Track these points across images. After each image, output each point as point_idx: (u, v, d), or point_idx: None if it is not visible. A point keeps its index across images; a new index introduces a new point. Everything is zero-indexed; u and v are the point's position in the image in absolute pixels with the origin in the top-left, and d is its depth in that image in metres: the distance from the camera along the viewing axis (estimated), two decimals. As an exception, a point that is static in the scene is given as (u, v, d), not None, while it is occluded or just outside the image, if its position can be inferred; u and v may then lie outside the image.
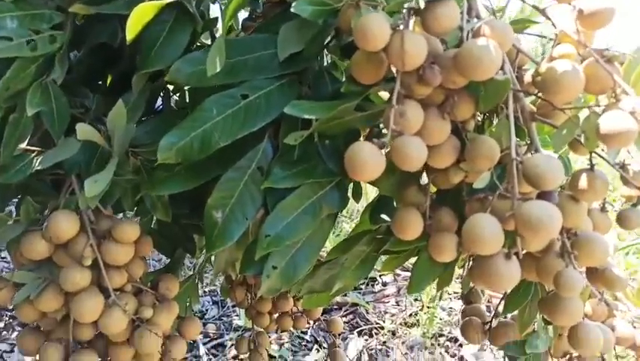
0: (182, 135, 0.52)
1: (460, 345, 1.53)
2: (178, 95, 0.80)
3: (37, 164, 0.59)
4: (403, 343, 1.51)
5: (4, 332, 1.57)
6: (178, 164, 0.57)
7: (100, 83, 0.75)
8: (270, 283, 0.57)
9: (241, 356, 1.55)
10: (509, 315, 0.65)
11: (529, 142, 0.46)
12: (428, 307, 1.60)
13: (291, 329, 1.01)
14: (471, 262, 0.50)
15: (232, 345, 1.55)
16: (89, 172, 0.64)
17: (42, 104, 0.52)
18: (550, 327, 0.59)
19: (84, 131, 0.53)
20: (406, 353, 1.44)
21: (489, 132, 0.51)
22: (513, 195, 0.41)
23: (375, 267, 0.73)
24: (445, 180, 0.51)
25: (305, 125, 0.55)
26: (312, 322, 1.01)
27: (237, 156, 0.56)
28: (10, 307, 0.65)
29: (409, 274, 1.95)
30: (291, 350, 1.52)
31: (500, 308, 0.66)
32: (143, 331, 0.61)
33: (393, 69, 0.46)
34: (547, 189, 0.41)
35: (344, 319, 1.71)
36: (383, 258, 0.73)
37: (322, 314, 1.77)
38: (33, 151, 0.60)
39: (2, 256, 2.16)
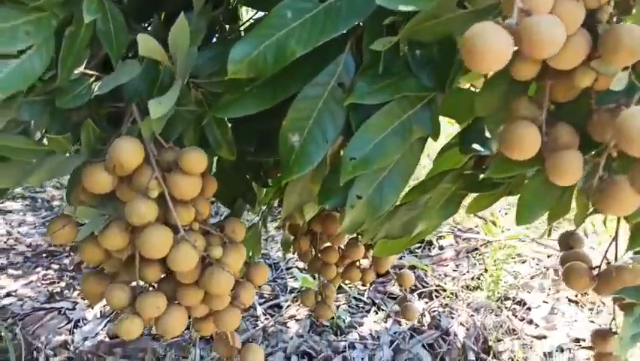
0: (255, 45, 0.46)
1: (529, 308, 1.44)
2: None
3: (96, 89, 0.54)
4: (467, 305, 1.43)
5: (66, 291, 1.59)
6: (247, 84, 0.51)
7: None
8: (353, 215, 0.51)
9: (298, 316, 1.52)
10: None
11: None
12: (494, 270, 1.51)
13: (353, 286, 0.95)
14: (600, 184, 0.41)
15: (288, 306, 1.52)
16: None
17: (99, 12, 0.47)
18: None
19: (146, 43, 0.48)
20: (471, 315, 1.37)
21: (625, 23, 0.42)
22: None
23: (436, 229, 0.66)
24: (567, 87, 0.43)
25: (390, 32, 0.48)
26: (375, 277, 0.95)
27: (315, 70, 0.49)
28: (71, 245, 0.62)
29: (469, 235, 1.86)
30: (349, 312, 1.47)
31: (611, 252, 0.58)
32: (215, 269, 0.57)
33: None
34: None
35: (402, 282, 1.65)
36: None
37: (377, 277, 1.72)
38: (91, 76, 0.55)
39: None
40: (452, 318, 1.36)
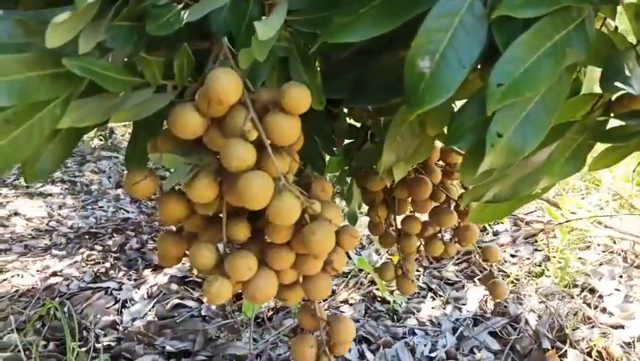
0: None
1: (600, 296, 1.34)
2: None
3: (185, 16, 0.47)
4: (535, 291, 1.34)
5: (111, 271, 1.55)
6: (362, 4, 0.44)
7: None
8: (494, 157, 0.43)
9: (351, 301, 1.45)
10: None
11: None
12: (562, 258, 1.42)
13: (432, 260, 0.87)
14: None
15: (341, 290, 1.45)
16: (240, 36, 0.53)
17: None
18: None
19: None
20: (542, 302, 1.28)
21: None
22: None
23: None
24: None
25: None
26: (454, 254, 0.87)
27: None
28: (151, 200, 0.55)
29: (531, 218, 1.75)
30: (407, 296, 1.40)
31: None
32: (318, 225, 0.50)
33: None
34: None
35: (457, 267, 1.56)
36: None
37: (430, 263, 1.63)
38: (180, 1, 0.48)
39: (100, 205, 2.18)
40: (520, 305, 1.27)
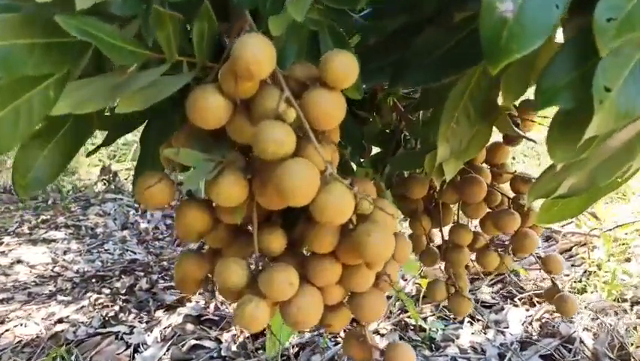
0: None
1: (656, 310, 1.23)
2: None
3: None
4: (585, 308, 1.22)
5: (121, 314, 1.44)
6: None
7: None
8: (602, 118, 0.34)
9: (381, 331, 1.33)
10: None
11: None
12: (606, 271, 1.31)
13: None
14: None
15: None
16: (266, 11, 0.45)
17: None
18: None
19: None
20: (594, 319, 1.16)
21: None
22: None
23: None
24: None
25: None
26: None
27: None
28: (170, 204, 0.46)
29: (568, 230, 1.63)
30: (442, 322, 1.28)
31: None
32: (375, 226, 0.40)
33: None
34: None
35: (491, 289, 1.45)
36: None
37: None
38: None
39: (106, 248, 2.09)
40: (572, 323, 1.15)
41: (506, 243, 0.72)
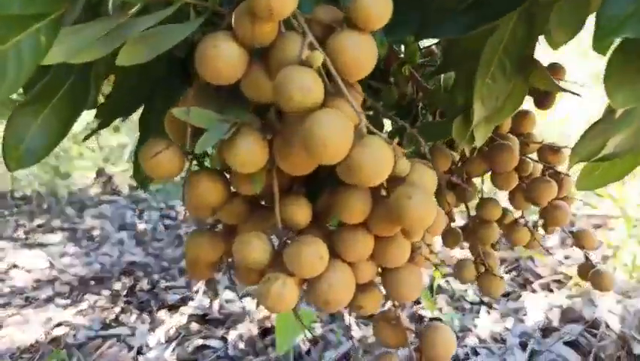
0: None
1: (677, 291, 1.18)
2: None
3: None
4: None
5: (122, 316, 1.39)
6: None
7: None
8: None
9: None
10: None
11: None
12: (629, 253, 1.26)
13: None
14: None
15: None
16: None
17: None
18: None
19: None
20: (619, 301, 1.11)
21: None
22: None
23: None
24: None
25: None
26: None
27: None
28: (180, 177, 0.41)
29: (582, 213, 1.58)
30: (458, 312, 1.23)
31: None
32: (415, 188, 0.35)
33: None
34: None
35: (508, 276, 1.40)
36: None
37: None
38: None
39: (103, 251, 2.03)
40: (596, 306, 1.11)
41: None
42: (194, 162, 0.42)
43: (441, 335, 0.45)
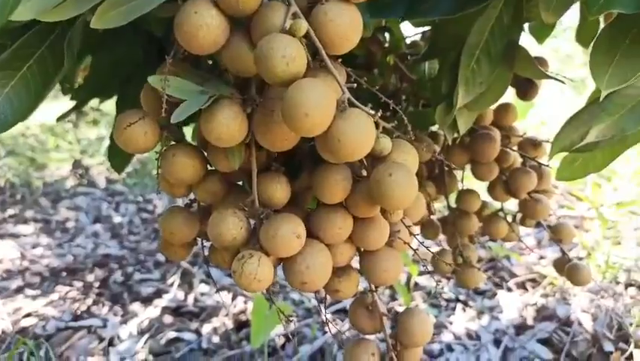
0: None
1: (650, 291, 1.20)
2: None
3: None
4: (581, 290, 1.19)
5: (94, 307, 1.36)
6: None
7: None
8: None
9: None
10: None
11: None
12: (602, 253, 1.28)
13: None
14: None
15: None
16: None
17: None
18: None
19: None
20: (592, 300, 1.13)
21: None
22: None
23: None
24: None
25: None
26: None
27: None
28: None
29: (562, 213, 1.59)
30: (434, 309, 1.24)
31: None
32: (396, 165, 0.35)
33: None
34: None
35: (484, 274, 1.41)
36: None
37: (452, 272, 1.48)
38: None
39: (77, 243, 1.99)
40: (569, 305, 1.12)
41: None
42: (171, 138, 0.41)
43: (418, 320, 0.45)
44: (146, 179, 2.73)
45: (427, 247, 0.47)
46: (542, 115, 2.57)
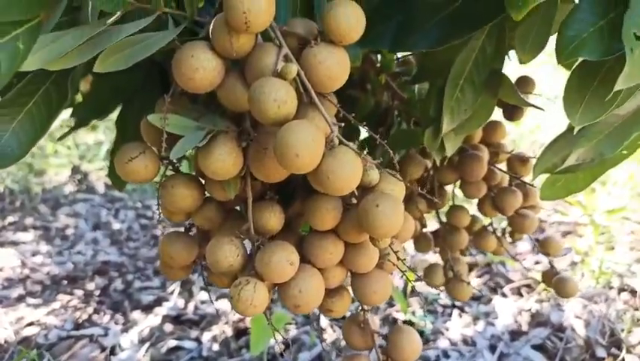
0: None
1: (643, 296, 1.23)
2: None
3: None
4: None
5: (95, 316, 1.38)
6: None
7: None
8: (633, 67, 0.31)
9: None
10: None
11: None
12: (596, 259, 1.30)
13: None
14: None
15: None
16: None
17: None
18: None
19: None
20: (585, 306, 1.15)
21: None
22: None
23: None
24: None
25: None
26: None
27: None
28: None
29: (556, 219, 1.61)
30: (429, 317, 1.26)
31: None
32: (383, 196, 0.37)
33: None
34: None
35: (479, 280, 1.43)
36: None
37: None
38: None
39: (77, 250, 2.01)
40: (562, 311, 1.14)
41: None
42: (170, 168, 0.43)
43: (407, 337, 0.47)
44: (145, 185, 2.75)
45: (413, 270, 0.48)
46: (538, 118, 2.59)
